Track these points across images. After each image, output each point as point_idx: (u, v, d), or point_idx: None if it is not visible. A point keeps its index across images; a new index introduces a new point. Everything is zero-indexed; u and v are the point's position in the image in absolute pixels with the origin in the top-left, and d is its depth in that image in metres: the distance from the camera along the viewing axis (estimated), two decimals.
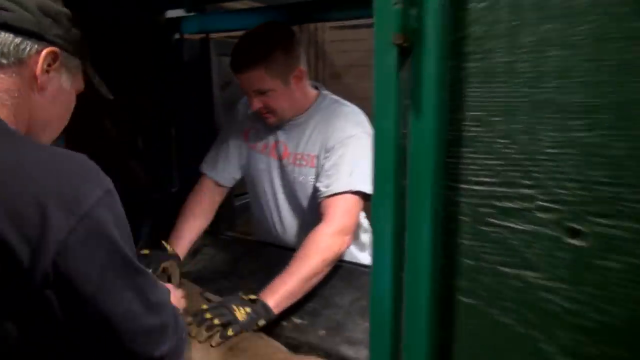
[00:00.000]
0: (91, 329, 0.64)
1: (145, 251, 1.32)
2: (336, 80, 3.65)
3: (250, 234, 1.76)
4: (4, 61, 0.72)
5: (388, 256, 0.52)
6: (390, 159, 0.52)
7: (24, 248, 0.59)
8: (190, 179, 1.57)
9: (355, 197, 1.32)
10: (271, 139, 1.50)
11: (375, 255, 0.54)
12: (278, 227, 1.55)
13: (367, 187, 1.32)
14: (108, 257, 0.63)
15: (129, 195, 1.65)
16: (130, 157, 1.74)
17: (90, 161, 0.68)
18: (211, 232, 1.71)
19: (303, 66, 1.38)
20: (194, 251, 1.61)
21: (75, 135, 1.92)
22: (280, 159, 1.48)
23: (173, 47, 1.69)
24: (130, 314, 0.66)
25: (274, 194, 1.52)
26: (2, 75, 0.72)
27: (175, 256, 1.38)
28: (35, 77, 0.75)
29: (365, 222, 1.55)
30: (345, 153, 1.34)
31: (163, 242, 1.39)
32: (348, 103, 1.46)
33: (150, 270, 1.02)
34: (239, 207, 1.99)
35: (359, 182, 1.31)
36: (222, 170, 1.54)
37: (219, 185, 1.55)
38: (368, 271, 1.34)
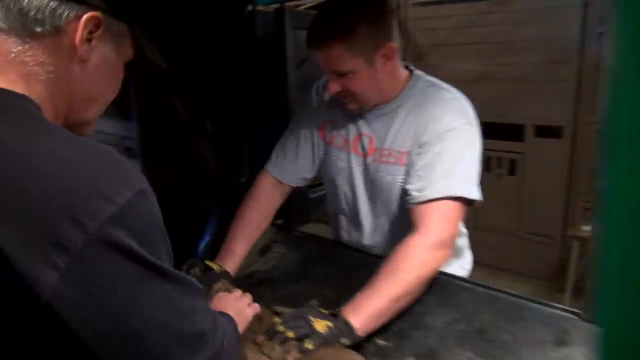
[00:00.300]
0: (119, 347, 0.57)
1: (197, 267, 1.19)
2: (420, 62, 3.37)
3: (326, 230, 1.57)
4: (38, 29, 0.61)
5: None
6: None
7: (28, 259, 0.50)
8: (260, 169, 1.40)
9: (455, 204, 1.10)
10: (353, 132, 1.29)
11: None
12: (357, 231, 1.36)
13: (470, 192, 1.10)
14: (128, 269, 0.55)
15: (196, 183, 1.54)
16: (200, 142, 1.61)
17: (118, 158, 0.57)
18: (283, 227, 1.54)
19: (394, 42, 1.15)
20: (263, 248, 1.45)
21: (145, 115, 1.85)
22: (364, 156, 1.28)
23: (245, 21, 1.52)
24: (161, 325, 0.58)
25: (355, 195, 1.32)
26: (36, 46, 0.62)
27: (225, 274, 1.21)
28: (74, 47, 0.64)
29: (461, 227, 1.32)
30: (443, 150, 1.12)
31: (208, 262, 1.22)
32: (448, 86, 1.23)
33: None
34: (314, 200, 1.81)
35: (459, 186, 1.09)
36: (289, 170, 1.36)
37: (282, 184, 1.37)
38: (467, 287, 1.17)
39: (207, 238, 1.34)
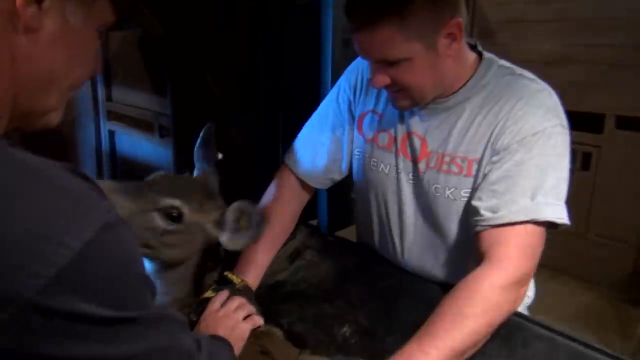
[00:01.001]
0: None
1: (209, 293, 0.98)
2: (488, 40, 3.04)
3: None
4: None
5: None
6: None
7: None
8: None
9: (539, 230, 0.87)
10: (401, 130, 1.05)
11: None
12: (398, 249, 1.12)
13: (559, 214, 0.86)
14: (74, 333, 0.44)
15: (231, 173, 1.37)
16: (232, 127, 1.44)
17: (74, 187, 0.46)
18: (317, 230, 1.35)
19: (462, 16, 0.89)
20: (293, 252, 1.27)
21: (178, 92, 1.72)
22: (414, 161, 1.04)
23: None
24: None
25: (400, 209, 1.08)
26: None
27: (247, 290, 1.02)
28: (16, 13, 0.48)
29: None
30: (527, 159, 0.88)
31: (227, 273, 1.04)
32: (531, 74, 0.97)
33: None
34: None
35: (546, 207, 0.86)
36: (314, 169, 1.15)
37: (306, 185, 1.16)
38: (535, 331, 0.91)
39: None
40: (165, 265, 0.90)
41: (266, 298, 1.12)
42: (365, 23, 0.87)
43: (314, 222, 1.37)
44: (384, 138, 1.08)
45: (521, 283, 0.86)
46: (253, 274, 1.06)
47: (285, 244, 1.29)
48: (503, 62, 1.00)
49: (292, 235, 1.26)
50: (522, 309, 1.09)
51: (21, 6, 0.47)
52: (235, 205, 0.83)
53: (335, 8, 1.24)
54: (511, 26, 3.07)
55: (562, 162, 0.90)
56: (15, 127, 0.54)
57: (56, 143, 2.38)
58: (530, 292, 1.14)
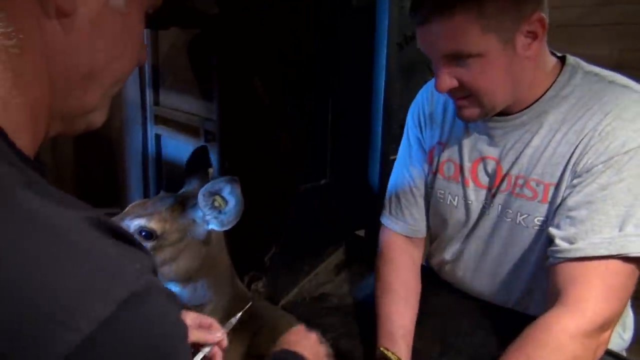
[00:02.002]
0: None
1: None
2: None
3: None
4: None
5: None
6: None
7: None
8: (344, 170, 1.16)
9: (628, 267, 0.75)
10: (470, 155, 0.94)
11: None
12: (461, 275, 1.03)
13: None
14: None
15: (272, 180, 1.34)
16: (279, 133, 1.41)
17: (100, 248, 0.35)
18: (367, 241, 1.30)
19: (545, 12, 0.79)
20: (339, 264, 1.22)
21: (226, 97, 1.71)
22: (489, 187, 0.93)
23: None
24: None
25: (468, 240, 0.99)
26: None
27: None
28: None
29: None
30: (615, 181, 0.76)
31: (384, 350, 0.91)
32: (625, 80, 0.84)
33: None
34: None
35: (637, 240, 0.74)
36: (413, 220, 1.05)
37: (417, 239, 1.07)
38: None
39: (273, 249, 1.14)
40: (187, 278, 0.88)
41: (310, 311, 1.08)
42: (438, 10, 0.78)
43: (361, 233, 1.32)
44: (449, 168, 0.98)
45: (602, 329, 0.75)
46: (404, 345, 0.93)
47: (330, 254, 1.25)
48: (591, 67, 0.87)
49: (338, 246, 1.21)
50: (618, 352, 0.98)
51: None
52: (201, 191, 0.81)
53: (391, 11, 1.19)
54: (568, 31, 2.94)
55: None
56: (59, 131, 0.47)
57: (104, 148, 2.43)
58: (628, 332, 1.02)
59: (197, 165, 0.95)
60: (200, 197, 0.81)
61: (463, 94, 0.84)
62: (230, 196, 0.80)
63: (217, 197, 0.81)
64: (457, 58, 0.80)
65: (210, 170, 0.94)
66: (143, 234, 0.81)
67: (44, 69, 0.41)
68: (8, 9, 0.37)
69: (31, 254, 0.32)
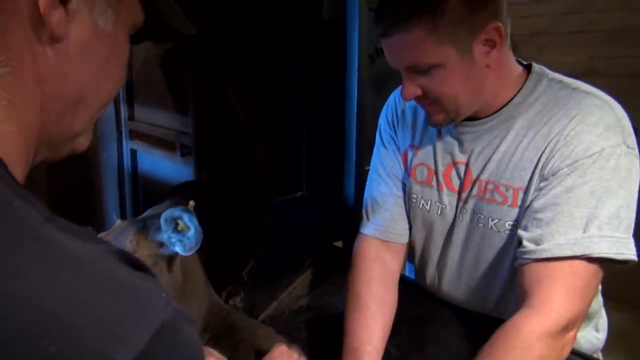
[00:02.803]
0: None
1: None
2: (513, 53, 2.99)
3: None
4: None
5: None
6: None
7: None
8: (320, 182, 1.16)
9: (592, 268, 0.77)
10: (443, 160, 0.96)
11: None
12: (435, 281, 1.04)
13: (619, 249, 0.76)
14: None
15: (248, 193, 1.34)
16: (255, 146, 1.41)
17: (129, 280, 0.35)
18: (344, 251, 1.30)
19: (502, 21, 0.81)
20: (319, 275, 1.22)
21: (201, 110, 1.70)
22: (459, 191, 0.95)
23: (307, 3, 1.27)
24: None
25: (444, 245, 0.99)
26: None
27: None
28: (40, 20, 0.38)
29: None
30: (579, 184, 0.78)
31: None
32: (590, 87, 0.86)
33: None
34: None
35: (602, 240, 0.76)
36: (392, 225, 1.03)
37: (389, 243, 1.04)
38: None
39: (251, 263, 1.13)
40: None
41: (289, 324, 1.07)
42: (394, 25, 0.81)
43: (339, 244, 1.32)
44: (422, 172, 0.99)
45: (568, 328, 0.77)
46: None
47: (308, 267, 1.24)
48: (555, 75, 0.89)
49: (316, 258, 1.21)
50: (590, 352, 1.01)
51: (46, 11, 0.38)
52: (162, 216, 0.80)
53: (361, 24, 1.21)
54: (537, 39, 3.01)
55: (627, 188, 0.79)
56: (44, 158, 0.46)
57: (79, 164, 2.39)
58: (602, 333, 1.04)
59: (181, 193, 0.93)
60: (162, 221, 0.80)
61: (428, 101, 0.87)
62: (190, 223, 0.79)
63: (180, 221, 0.80)
64: (418, 69, 0.83)
65: (192, 203, 0.92)
66: None
67: (36, 96, 0.40)
68: (2, 36, 0.37)
69: (68, 289, 0.32)
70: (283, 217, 1.19)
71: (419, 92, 0.85)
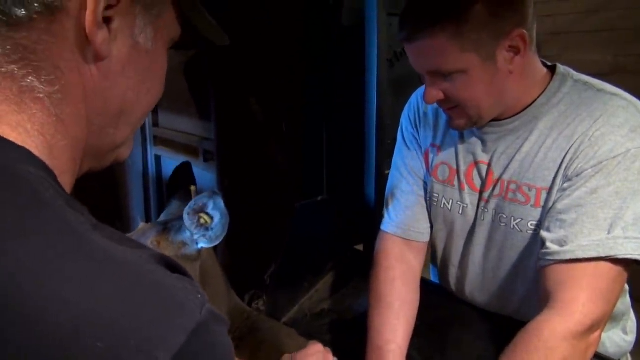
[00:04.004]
0: None
1: None
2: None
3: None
4: (20, 11, 0.37)
5: None
6: None
7: None
8: (341, 186, 1.17)
9: (617, 270, 0.76)
10: (465, 161, 0.96)
11: None
12: (458, 281, 1.04)
13: None
14: None
15: (270, 196, 1.36)
16: (277, 151, 1.43)
17: (168, 281, 0.37)
18: (365, 255, 1.31)
19: (527, 28, 0.80)
20: (340, 279, 1.23)
21: (223, 116, 1.73)
22: (481, 190, 0.94)
23: (329, 7, 1.28)
24: None
25: (466, 244, 0.99)
26: (23, 42, 0.38)
27: None
28: (86, 39, 0.40)
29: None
30: (603, 185, 0.78)
31: None
32: (615, 88, 0.85)
33: None
34: None
35: (626, 242, 0.75)
36: (415, 224, 1.03)
37: (411, 242, 1.04)
38: None
39: (273, 267, 1.15)
40: None
41: (311, 327, 1.08)
42: (418, 30, 0.81)
43: (360, 247, 1.33)
44: (444, 171, 0.99)
45: (592, 329, 0.76)
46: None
47: (329, 270, 1.25)
48: (581, 76, 0.88)
49: (337, 261, 1.22)
50: (618, 355, 1.00)
51: (92, 31, 0.39)
52: (185, 211, 0.80)
53: (379, 29, 1.22)
54: (559, 38, 2.97)
55: None
56: (89, 168, 0.49)
57: (105, 170, 2.45)
58: (631, 335, 1.03)
59: (180, 183, 0.94)
60: (185, 217, 0.80)
61: (450, 105, 0.87)
62: (215, 211, 0.79)
63: (203, 215, 0.80)
64: (441, 74, 0.83)
65: (193, 188, 0.93)
66: None
67: (82, 111, 0.43)
68: (52, 57, 0.39)
69: (115, 291, 0.34)
70: (304, 221, 1.21)
71: (441, 96, 0.85)
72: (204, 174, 1.87)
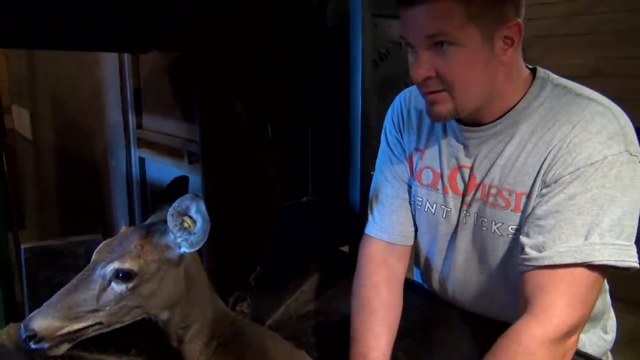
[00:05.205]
0: None
1: None
2: None
3: None
4: None
5: None
6: None
7: None
8: (326, 187, 1.16)
9: (593, 275, 0.77)
10: (448, 165, 0.95)
11: None
12: (441, 284, 1.04)
13: (620, 257, 0.76)
14: None
15: (255, 198, 1.35)
16: (262, 153, 1.42)
17: None
18: (350, 256, 1.30)
19: (521, 20, 0.81)
20: (325, 280, 1.22)
21: (208, 118, 1.72)
22: (463, 194, 0.94)
23: (312, 9, 1.28)
24: None
25: (447, 246, 0.99)
26: None
27: None
28: None
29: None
30: (581, 191, 0.78)
31: None
32: (594, 93, 0.85)
33: None
34: None
35: (603, 248, 0.76)
36: (398, 227, 1.03)
37: (395, 245, 1.03)
38: None
39: (258, 269, 1.14)
40: (174, 303, 0.87)
41: (297, 329, 1.08)
42: None
43: (345, 249, 1.32)
44: (427, 175, 0.98)
45: (569, 334, 0.77)
46: None
47: (314, 272, 1.25)
48: (560, 79, 0.88)
49: (322, 263, 1.22)
50: (598, 355, 1.00)
51: None
52: (169, 212, 0.80)
53: (364, 30, 1.22)
54: (543, 41, 3.01)
55: (629, 196, 0.77)
56: None
57: (88, 172, 2.42)
58: (611, 334, 1.04)
59: (175, 194, 0.93)
60: (169, 218, 0.80)
61: (437, 86, 0.84)
62: (197, 215, 0.79)
63: (186, 218, 0.80)
64: (438, 44, 0.80)
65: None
66: (120, 275, 0.78)
67: None
68: None
69: None
70: (289, 223, 1.20)
71: (432, 72, 0.82)
72: (189, 176, 1.85)
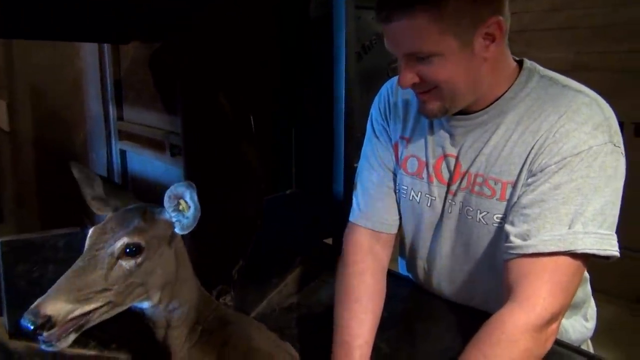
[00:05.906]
0: None
1: None
2: None
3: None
4: None
5: None
6: None
7: None
8: (310, 179, 1.16)
9: (575, 264, 0.78)
10: (434, 154, 0.96)
11: None
12: (425, 273, 1.05)
13: (602, 245, 0.77)
14: None
15: (238, 192, 1.34)
16: (244, 145, 1.41)
17: None
18: (334, 248, 1.30)
19: (504, 17, 0.81)
20: (309, 272, 1.22)
21: (190, 110, 1.70)
22: (448, 184, 0.95)
23: (295, 2, 1.27)
24: None
25: (434, 237, 1.00)
26: None
27: None
28: None
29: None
30: (566, 181, 0.79)
31: None
32: (579, 85, 0.87)
33: None
34: None
35: (586, 237, 0.77)
36: (384, 215, 1.03)
37: (380, 233, 1.03)
38: None
39: (241, 262, 1.13)
40: (166, 284, 0.87)
41: (280, 322, 1.08)
42: (398, 10, 0.80)
43: (329, 241, 1.32)
44: (412, 164, 0.99)
45: (551, 321, 0.78)
46: (358, 356, 0.93)
47: (298, 264, 1.25)
48: (547, 72, 0.89)
49: (306, 255, 1.22)
50: (579, 341, 1.02)
51: None
52: (166, 193, 0.83)
53: (347, 22, 1.21)
54: (523, 36, 3.04)
55: (612, 186, 0.79)
56: None
57: (68, 164, 2.38)
58: (591, 322, 1.06)
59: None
60: (165, 199, 0.82)
61: (425, 88, 0.86)
62: (191, 201, 0.81)
63: (182, 201, 0.82)
64: (420, 56, 0.82)
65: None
66: (128, 250, 0.79)
67: None
68: None
69: None
70: (273, 215, 1.20)
71: (416, 79, 0.84)
72: (170, 168, 1.83)
